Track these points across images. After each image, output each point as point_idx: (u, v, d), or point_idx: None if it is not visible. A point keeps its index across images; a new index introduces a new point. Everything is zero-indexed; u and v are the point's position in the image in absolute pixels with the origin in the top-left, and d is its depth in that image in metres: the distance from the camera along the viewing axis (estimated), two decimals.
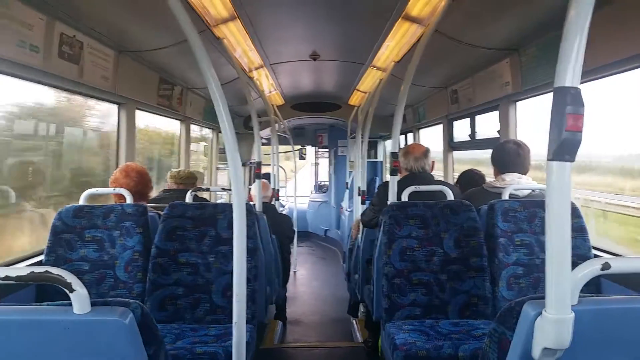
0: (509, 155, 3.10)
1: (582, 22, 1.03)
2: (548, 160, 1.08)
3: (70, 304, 1.10)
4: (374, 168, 10.02)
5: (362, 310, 5.03)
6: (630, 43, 2.41)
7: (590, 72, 2.66)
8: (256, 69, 5.35)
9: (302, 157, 11.66)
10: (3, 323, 1.11)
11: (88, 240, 2.84)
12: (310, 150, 12.19)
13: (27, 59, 2.57)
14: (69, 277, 1.10)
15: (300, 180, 11.02)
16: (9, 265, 2.65)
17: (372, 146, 10.07)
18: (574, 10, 1.04)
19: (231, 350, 1.98)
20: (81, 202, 2.96)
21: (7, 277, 1.09)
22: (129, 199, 3.01)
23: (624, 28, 2.43)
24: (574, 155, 1.07)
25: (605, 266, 1.10)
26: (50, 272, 1.10)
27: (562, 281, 1.07)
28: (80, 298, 1.10)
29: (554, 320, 1.06)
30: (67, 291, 1.09)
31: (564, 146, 1.05)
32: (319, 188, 11.94)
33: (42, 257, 2.84)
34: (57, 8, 2.74)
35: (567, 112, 1.04)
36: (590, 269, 1.10)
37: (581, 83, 1.07)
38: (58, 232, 2.81)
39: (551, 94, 1.08)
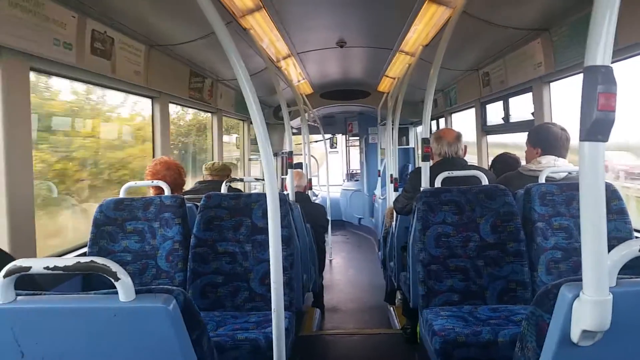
0: (557, 139, 3.02)
1: None
2: (580, 140, 1.06)
3: (116, 293, 1.14)
4: (405, 155, 9.94)
5: (398, 297, 5.01)
6: None
7: (622, 50, 2.57)
8: (284, 58, 5.36)
9: (333, 146, 11.61)
10: (53, 311, 1.16)
11: (129, 232, 2.90)
12: (340, 139, 12.14)
13: (62, 57, 2.63)
14: (114, 267, 1.13)
15: (331, 169, 11.01)
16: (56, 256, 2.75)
17: (403, 132, 9.98)
18: None
19: (272, 337, 2.01)
20: (121, 195, 3.02)
21: (55, 267, 1.13)
22: (167, 191, 3.08)
23: None
24: (607, 135, 1.05)
25: None
26: (96, 262, 1.13)
27: (599, 263, 1.05)
28: (125, 286, 1.13)
29: (592, 302, 1.04)
30: (113, 280, 1.13)
31: (596, 126, 1.04)
32: (351, 176, 11.91)
33: (85, 250, 2.93)
34: (87, 5, 2.79)
35: (599, 91, 1.02)
36: (628, 250, 1.08)
37: (612, 62, 1.04)
38: (100, 224, 2.88)
39: None
